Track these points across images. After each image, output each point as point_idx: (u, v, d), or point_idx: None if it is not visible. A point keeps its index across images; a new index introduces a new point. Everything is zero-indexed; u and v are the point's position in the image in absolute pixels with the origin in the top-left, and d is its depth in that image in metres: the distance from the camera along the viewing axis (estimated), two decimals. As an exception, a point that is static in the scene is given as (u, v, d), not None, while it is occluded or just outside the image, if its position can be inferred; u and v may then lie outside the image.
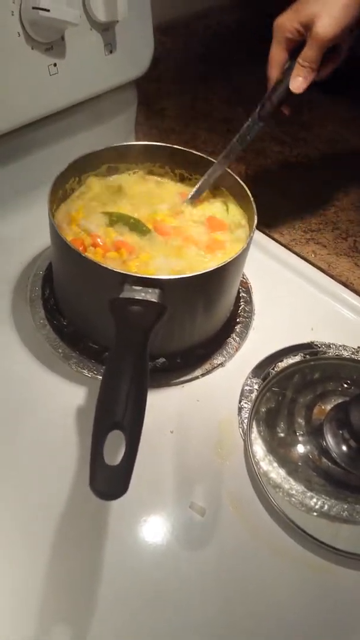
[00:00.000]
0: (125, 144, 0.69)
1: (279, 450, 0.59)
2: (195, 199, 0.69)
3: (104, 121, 0.84)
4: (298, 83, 0.61)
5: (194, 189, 0.69)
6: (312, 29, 0.59)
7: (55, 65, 0.69)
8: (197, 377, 0.65)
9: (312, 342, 0.69)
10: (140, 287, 0.53)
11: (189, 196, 0.69)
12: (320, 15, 0.58)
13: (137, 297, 0.53)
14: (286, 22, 0.61)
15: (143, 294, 0.53)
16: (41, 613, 0.47)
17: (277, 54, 0.63)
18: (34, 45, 0.66)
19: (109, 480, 0.40)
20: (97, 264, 0.54)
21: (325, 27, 0.58)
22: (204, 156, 0.68)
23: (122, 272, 0.54)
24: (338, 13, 0.58)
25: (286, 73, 0.63)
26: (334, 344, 0.69)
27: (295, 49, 0.62)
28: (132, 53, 0.78)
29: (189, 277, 0.56)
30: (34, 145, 0.76)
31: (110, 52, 0.75)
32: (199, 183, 0.68)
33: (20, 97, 0.67)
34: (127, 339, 0.50)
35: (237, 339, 0.69)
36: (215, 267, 0.56)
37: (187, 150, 0.69)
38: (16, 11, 0.62)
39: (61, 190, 0.65)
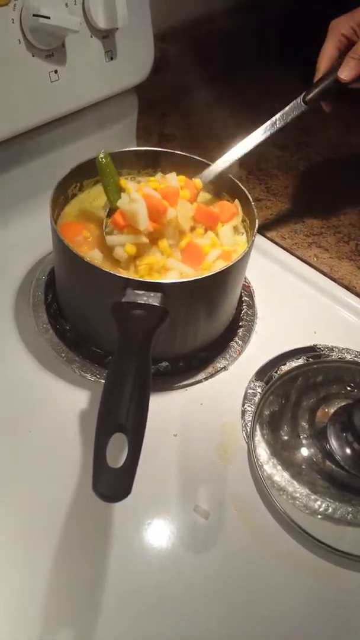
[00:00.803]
0: (126, 149, 0.70)
1: (282, 453, 0.59)
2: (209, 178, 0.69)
3: (105, 127, 0.85)
4: (347, 71, 0.66)
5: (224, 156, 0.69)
6: None
7: (56, 72, 0.70)
8: (200, 381, 0.65)
9: (315, 346, 0.69)
10: (143, 291, 0.54)
11: (205, 175, 0.69)
12: None
13: (139, 301, 0.53)
14: (343, 21, 0.67)
15: (145, 298, 0.53)
16: (45, 616, 0.47)
17: (329, 49, 0.68)
18: (34, 52, 0.66)
19: (112, 483, 0.40)
20: (99, 269, 0.54)
21: None
22: (207, 162, 0.69)
23: (124, 276, 0.54)
24: None
25: (334, 68, 0.67)
26: (337, 347, 0.69)
27: (346, 48, 0.67)
28: (132, 60, 0.79)
29: (191, 281, 0.56)
30: (36, 151, 0.76)
31: (111, 58, 0.76)
32: (229, 153, 0.69)
33: (22, 103, 0.68)
34: (129, 343, 0.50)
35: (240, 342, 0.69)
36: (217, 270, 0.56)
37: (189, 155, 0.69)
38: (17, 19, 0.62)
39: (63, 196, 0.65)
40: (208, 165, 0.68)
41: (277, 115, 0.69)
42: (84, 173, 0.67)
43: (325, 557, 0.53)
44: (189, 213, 0.62)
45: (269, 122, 0.69)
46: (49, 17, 0.62)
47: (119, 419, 0.43)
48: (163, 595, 0.50)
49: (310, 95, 0.68)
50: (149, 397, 0.46)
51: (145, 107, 0.94)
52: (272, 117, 0.68)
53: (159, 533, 0.53)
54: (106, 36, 0.74)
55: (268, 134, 0.69)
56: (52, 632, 0.47)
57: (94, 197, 0.69)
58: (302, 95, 0.68)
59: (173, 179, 0.65)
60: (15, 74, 0.65)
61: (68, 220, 0.66)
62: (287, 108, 0.69)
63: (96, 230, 0.65)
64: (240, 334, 0.70)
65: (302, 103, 0.68)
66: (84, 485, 0.54)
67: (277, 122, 0.69)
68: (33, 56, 0.66)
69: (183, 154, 0.70)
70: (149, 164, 0.71)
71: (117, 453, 0.42)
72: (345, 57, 0.66)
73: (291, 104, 0.69)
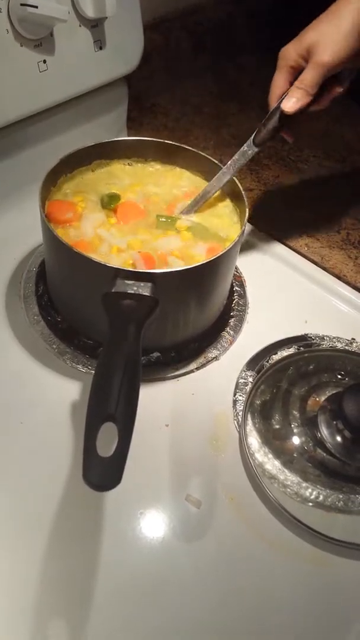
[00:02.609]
0: (116, 139, 0.69)
1: (274, 442, 0.59)
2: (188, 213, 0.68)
3: (95, 118, 0.84)
4: (290, 103, 0.61)
5: (187, 206, 0.67)
6: (314, 54, 0.59)
7: (44, 62, 0.69)
8: (191, 371, 0.65)
9: (306, 335, 0.69)
10: (133, 281, 0.53)
11: (183, 211, 0.67)
12: (322, 43, 0.58)
13: (129, 291, 0.53)
14: (290, 50, 0.62)
15: (135, 288, 0.53)
16: (37, 606, 0.47)
17: (279, 83, 0.63)
18: (22, 42, 0.66)
19: (102, 472, 0.40)
20: (88, 259, 0.54)
21: (325, 54, 0.58)
22: (197, 151, 0.69)
23: (114, 266, 0.54)
24: (339, 42, 0.58)
25: (282, 100, 0.62)
26: (328, 336, 0.69)
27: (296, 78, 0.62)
28: (122, 49, 0.78)
29: (181, 270, 0.56)
30: (25, 142, 0.76)
31: (100, 48, 0.75)
32: (190, 202, 0.67)
33: (10, 94, 0.68)
34: (119, 333, 0.50)
35: (232, 332, 0.69)
36: (207, 260, 0.56)
37: (179, 145, 0.69)
38: (4, 8, 0.62)
39: (52, 187, 0.65)
40: (198, 154, 0.68)
41: (229, 163, 0.65)
42: (74, 163, 0.66)
43: (317, 544, 0.53)
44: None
45: (220, 172, 0.65)
46: (36, 7, 0.61)
47: (109, 408, 0.43)
48: (155, 584, 0.50)
49: (260, 137, 0.64)
50: (139, 387, 0.46)
51: (136, 97, 0.94)
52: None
53: (151, 522, 0.53)
54: (95, 25, 0.73)
55: (222, 181, 0.66)
56: (45, 622, 0.47)
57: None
58: (251, 137, 0.65)
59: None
60: (3, 64, 0.65)
61: (58, 198, 0.66)
62: (236, 155, 0.65)
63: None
64: (231, 323, 0.70)
65: (253, 145, 0.65)
66: (75, 475, 0.54)
67: (230, 169, 0.65)
68: (21, 46, 0.66)
69: (173, 143, 0.69)
70: (139, 153, 0.71)
71: (107, 442, 0.42)
72: (292, 88, 0.61)
73: (240, 150, 0.65)
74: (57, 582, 0.49)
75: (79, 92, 0.76)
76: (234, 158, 0.65)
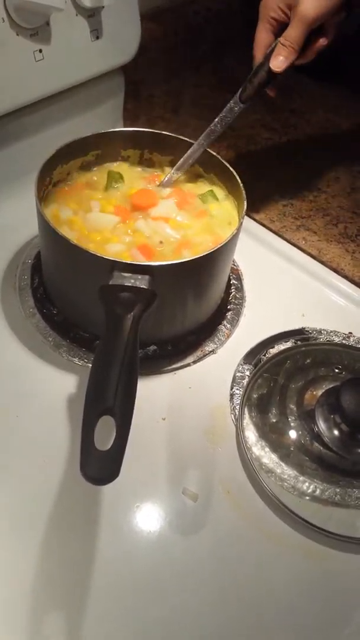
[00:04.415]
0: (112, 130, 0.68)
1: (271, 435, 0.59)
2: (169, 183, 0.68)
3: (91, 108, 0.84)
4: (278, 62, 0.61)
5: (172, 170, 0.68)
6: (296, 8, 0.59)
7: (40, 51, 0.68)
8: (188, 364, 0.65)
9: (303, 328, 0.69)
10: (130, 274, 0.53)
11: (164, 178, 0.68)
12: None
13: (126, 284, 0.53)
14: (271, 2, 0.61)
15: (132, 281, 0.53)
16: (34, 599, 0.47)
17: (262, 35, 0.64)
18: (18, 31, 0.65)
19: (100, 466, 0.40)
20: (85, 251, 0.54)
21: (308, 7, 0.58)
22: (193, 142, 0.68)
23: (111, 258, 0.53)
24: None
25: (268, 55, 0.62)
26: (325, 330, 0.69)
27: (280, 31, 0.62)
28: (118, 39, 0.78)
29: (179, 263, 0.56)
30: (21, 132, 0.75)
31: (97, 38, 0.74)
32: (178, 163, 0.67)
33: (6, 83, 0.67)
34: (117, 326, 0.50)
35: (229, 325, 0.69)
36: (205, 253, 0.56)
37: (176, 136, 0.69)
38: (0, -4, 0.61)
39: (48, 177, 0.64)
40: (190, 144, 0.68)
41: (216, 120, 0.66)
42: (70, 154, 0.66)
43: (313, 537, 0.53)
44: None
45: (208, 129, 0.66)
46: (32, -5, 0.60)
47: (107, 401, 0.43)
48: (152, 577, 0.50)
49: (246, 93, 0.64)
50: (136, 380, 0.46)
51: (133, 88, 0.93)
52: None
53: (148, 516, 0.53)
54: (92, 15, 0.72)
55: (209, 140, 0.66)
56: (41, 615, 0.47)
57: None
58: (237, 94, 0.65)
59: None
60: (-1, 53, 0.64)
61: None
62: (223, 111, 0.65)
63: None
64: (228, 317, 0.70)
65: (239, 101, 0.65)
66: (72, 469, 0.54)
67: (218, 126, 0.66)
68: (17, 35, 0.65)
69: (170, 134, 0.69)
70: (136, 144, 0.70)
71: (105, 436, 0.42)
72: (277, 45, 0.61)
73: (227, 106, 0.65)
74: (53, 576, 0.49)
75: (75, 82, 0.76)
76: (220, 115, 0.66)
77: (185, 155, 0.67)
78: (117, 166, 0.71)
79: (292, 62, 0.62)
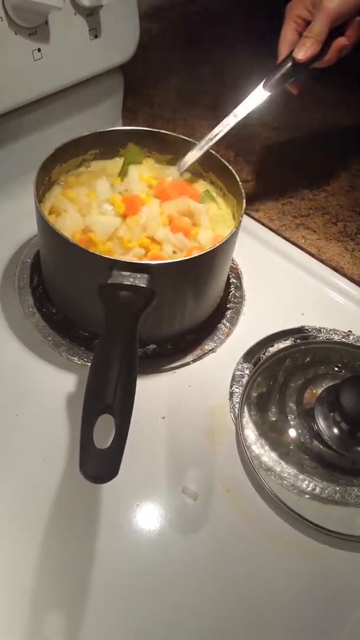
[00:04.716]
0: (112, 128, 0.68)
1: (270, 434, 0.59)
2: (188, 164, 0.69)
3: (90, 107, 0.83)
4: (302, 52, 0.64)
5: (193, 150, 0.68)
6: (321, 3, 0.62)
7: (39, 50, 0.68)
8: (188, 363, 0.65)
9: (303, 327, 0.69)
10: (129, 273, 0.53)
11: (181, 165, 0.69)
12: None
13: (125, 283, 0.53)
14: (297, 3, 0.65)
15: (132, 279, 0.53)
16: (34, 598, 0.47)
17: (287, 33, 0.67)
18: (17, 30, 0.65)
19: (99, 464, 0.40)
20: (84, 250, 0.54)
21: (333, 2, 0.61)
22: (193, 141, 0.68)
23: (110, 257, 0.53)
24: None
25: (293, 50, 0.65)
26: (325, 328, 0.69)
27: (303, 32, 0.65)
28: (117, 38, 0.77)
29: (178, 261, 0.56)
30: (20, 131, 0.75)
31: (95, 37, 0.74)
32: (199, 143, 0.67)
33: (4, 83, 0.67)
34: (116, 325, 0.50)
35: (228, 324, 0.69)
36: (204, 251, 0.56)
37: (175, 134, 0.69)
38: (-2, -5, 0.61)
39: (47, 176, 0.64)
40: (194, 144, 0.67)
41: (240, 106, 0.67)
42: (69, 153, 0.66)
43: (313, 536, 0.53)
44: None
45: (231, 114, 0.67)
46: (31, -6, 0.60)
47: (106, 400, 0.43)
48: (152, 576, 0.50)
49: (271, 81, 0.66)
50: (136, 378, 0.46)
51: (132, 86, 0.93)
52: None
53: (148, 515, 0.53)
54: (90, 14, 0.72)
55: (232, 124, 0.67)
56: (41, 614, 0.47)
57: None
58: (262, 82, 0.67)
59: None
60: (-3, 52, 0.64)
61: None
62: (248, 97, 0.67)
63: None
64: (228, 315, 0.70)
65: (263, 90, 0.67)
66: (72, 468, 0.54)
67: (239, 113, 0.67)
68: (16, 34, 0.65)
69: (169, 133, 0.68)
70: (135, 143, 0.70)
71: (104, 435, 0.42)
72: (302, 37, 0.64)
73: (253, 92, 0.67)
74: (53, 575, 0.49)
75: (74, 81, 0.76)
76: (243, 102, 0.67)
77: (203, 140, 0.67)
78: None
79: (315, 55, 0.64)
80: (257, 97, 0.67)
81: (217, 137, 0.67)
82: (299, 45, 0.64)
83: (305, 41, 0.64)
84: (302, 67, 0.65)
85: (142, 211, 0.63)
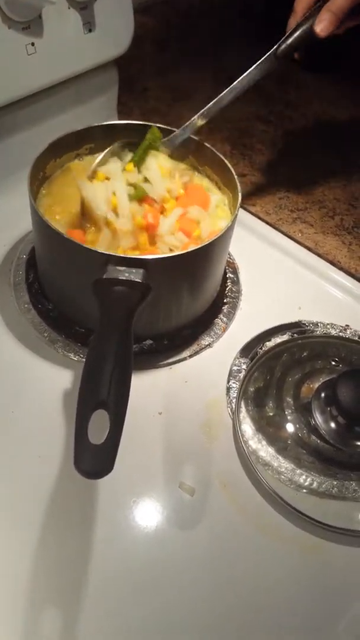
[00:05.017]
0: (106, 123, 0.68)
1: (267, 428, 0.59)
2: (192, 129, 0.66)
3: (84, 102, 0.83)
4: (323, 25, 0.60)
5: (196, 116, 0.65)
6: None
7: (33, 44, 0.68)
8: (184, 359, 0.64)
9: (300, 321, 0.69)
10: (124, 267, 0.53)
11: (187, 123, 0.66)
12: None
13: (120, 278, 0.52)
14: None
15: (127, 274, 0.52)
16: (30, 597, 0.47)
17: (302, 1, 0.63)
18: (10, 25, 0.64)
19: (94, 459, 0.40)
20: (79, 245, 0.53)
21: None
22: (192, 136, 0.67)
23: (105, 252, 0.53)
24: None
25: (306, 19, 0.62)
26: (322, 323, 0.69)
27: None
28: (111, 32, 0.77)
29: (173, 256, 0.55)
30: (13, 127, 0.75)
31: (90, 30, 0.74)
32: (204, 109, 0.65)
33: (-2, 77, 0.66)
34: (111, 320, 0.50)
35: (225, 319, 0.69)
36: (200, 246, 0.56)
37: (170, 128, 0.68)
38: (-9, -11, 0.61)
39: (41, 172, 0.64)
40: (189, 138, 0.66)
41: (249, 71, 0.64)
42: (63, 147, 0.65)
43: (311, 530, 0.53)
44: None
45: (238, 80, 0.64)
46: (24, -13, 0.60)
47: (101, 395, 0.42)
48: (149, 572, 0.50)
49: (283, 48, 0.63)
50: (130, 373, 0.46)
51: (127, 81, 0.92)
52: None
53: (145, 510, 0.53)
54: (84, 7, 0.72)
55: (239, 92, 0.64)
56: (37, 611, 0.46)
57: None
58: (274, 49, 0.63)
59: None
60: (-10, 46, 0.64)
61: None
62: (257, 64, 0.63)
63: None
64: (224, 310, 0.69)
65: (274, 57, 0.63)
66: (68, 464, 0.54)
67: (248, 80, 0.64)
68: (9, 28, 0.65)
69: (164, 127, 0.67)
70: (130, 137, 0.69)
71: (99, 430, 0.41)
72: (322, 9, 0.60)
73: (263, 59, 0.63)
74: (50, 571, 0.49)
75: (68, 75, 0.75)
76: (249, 70, 0.64)
77: (210, 104, 0.65)
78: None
79: (334, 31, 0.61)
80: (267, 64, 0.64)
81: (224, 104, 0.64)
82: (319, 17, 0.60)
83: (327, 15, 0.60)
84: (316, 38, 0.62)
85: (160, 225, 0.60)
